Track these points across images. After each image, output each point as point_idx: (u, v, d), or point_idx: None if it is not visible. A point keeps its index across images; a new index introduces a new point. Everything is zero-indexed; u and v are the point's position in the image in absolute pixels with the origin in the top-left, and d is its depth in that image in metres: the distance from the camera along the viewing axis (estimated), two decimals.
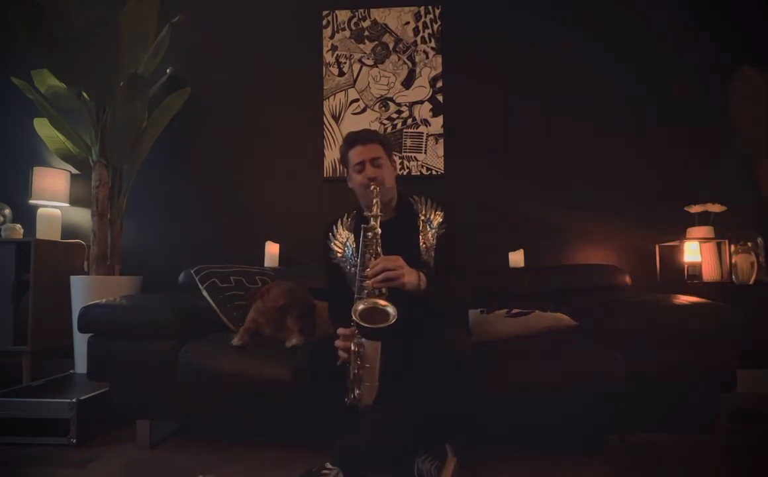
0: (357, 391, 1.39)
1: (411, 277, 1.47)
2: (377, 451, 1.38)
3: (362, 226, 1.51)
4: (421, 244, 1.65)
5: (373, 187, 1.54)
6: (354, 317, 1.37)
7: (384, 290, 1.44)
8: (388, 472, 1.46)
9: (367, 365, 1.37)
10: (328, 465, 1.34)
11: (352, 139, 1.68)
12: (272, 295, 1.91)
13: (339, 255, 1.72)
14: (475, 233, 2.74)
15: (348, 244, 1.70)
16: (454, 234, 1.68)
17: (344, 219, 1.76)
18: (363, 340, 1.36)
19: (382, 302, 1.39)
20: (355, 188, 1.69)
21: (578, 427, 1.79)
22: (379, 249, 1.48)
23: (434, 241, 1.65)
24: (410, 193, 1.76)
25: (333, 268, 1.74)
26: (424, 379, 1.41)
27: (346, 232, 1.73)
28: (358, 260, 1.49)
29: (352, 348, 1.38)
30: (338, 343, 1.45)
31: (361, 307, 1.39)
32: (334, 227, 1.76)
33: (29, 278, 2.59)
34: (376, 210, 1.51)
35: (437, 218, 1.67)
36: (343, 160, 1.72)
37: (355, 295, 1.46)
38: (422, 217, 1.68)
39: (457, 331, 1.53)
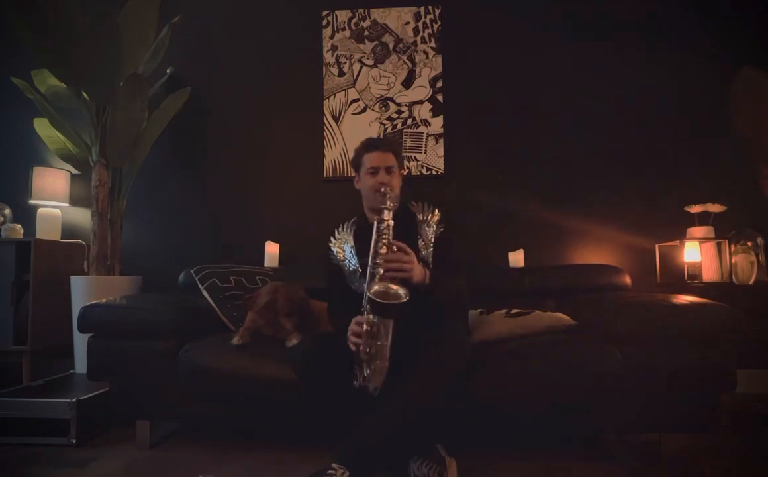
0: (367, 371, 1.42)
1: (418, 271, 1.55)
2: (384, 446, 1.40)
3: (376, 218, 1.58)
4: (420, 244, 1.71)
5: (384, 189, 1.63)
6: (369, 294, 1.43)
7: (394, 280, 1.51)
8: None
9: (379, 343, 1.40)
10: (335, 465, 1.34)
11: (372, 144, 1.80)
12: (258, 295, 1.96)
13: (339, 256, 1.80)
14: (475, 233, 2.75)
15: (347, 246, 1.80)
16: (451, 232, 1.77)
17: (344, 224, 1.87)
18: (375, 318, 1.41)
19: (394, 286, 1.45)
20: (363, 190, 1.79)
21: (578, 427, 1.79)
22: (390, 240, 1.54)
23: (432, 240, 1.73)
24: (409, 201, 1.85)
25: (334, 269, 1.81)
26: (426, 371, 1.45)
27: (346, 234, 1.84)
28: (371, 249, 1.55)
29: (365, 327, 1.42)
30: (352, 326, 1.49)
31: (375, 288, 1.44)
32: (336, 231, 1.87)
33: (29, 278, 2.58)
34: (389, 204, 1.57)
35: (435, 218, 1.77)
36: (356, 161, 1.81)
37: (366, 282, 1.51)
38: (420, 218, 1.77)
39: (457, 324, 1.62)
